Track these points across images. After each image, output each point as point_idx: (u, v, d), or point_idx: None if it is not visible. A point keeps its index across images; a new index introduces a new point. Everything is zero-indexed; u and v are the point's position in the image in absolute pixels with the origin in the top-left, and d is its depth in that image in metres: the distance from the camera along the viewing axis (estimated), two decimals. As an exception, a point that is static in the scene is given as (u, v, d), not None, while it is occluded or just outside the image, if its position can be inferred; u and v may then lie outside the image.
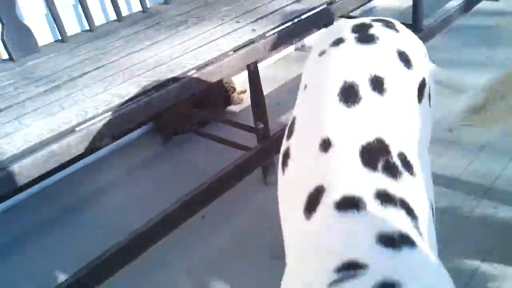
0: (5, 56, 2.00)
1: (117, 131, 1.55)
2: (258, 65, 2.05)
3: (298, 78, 1.24)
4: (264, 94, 2.12)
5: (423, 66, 1.20)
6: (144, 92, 1.60)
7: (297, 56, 3.27)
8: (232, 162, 2.02)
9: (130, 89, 1.61)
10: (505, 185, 1.97)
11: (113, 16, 2.29)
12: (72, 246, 1.99)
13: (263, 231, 1.89)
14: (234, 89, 2.73)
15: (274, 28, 1.98)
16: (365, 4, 2.82)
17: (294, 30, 2.07)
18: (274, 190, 1.86)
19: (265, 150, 2.12)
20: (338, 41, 1.13)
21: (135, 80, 1.66)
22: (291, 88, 2.90)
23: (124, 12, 2.32)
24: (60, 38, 2.11)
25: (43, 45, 2.07)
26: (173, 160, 2.43)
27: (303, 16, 2.10)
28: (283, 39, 2.03)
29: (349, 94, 1.00)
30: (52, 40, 2.17)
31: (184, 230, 1.85)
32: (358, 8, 2.69)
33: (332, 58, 1.11)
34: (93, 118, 1.48)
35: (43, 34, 2.16)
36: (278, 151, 2.08)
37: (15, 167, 1.33)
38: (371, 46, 1.10)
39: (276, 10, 2.11)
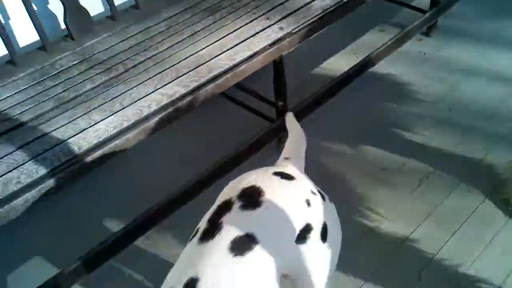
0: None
1: (165, 125, 1.91)
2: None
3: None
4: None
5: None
6: (188, 93, 1.94)
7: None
8: (258, 133, 2.38)
9: (176, 89, 1.94)
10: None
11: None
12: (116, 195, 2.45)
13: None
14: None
15: (300, 25, 2.26)
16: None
17: (319, 25, 2.33)
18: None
19: (283, 124, 2.46)
20: None
21: (180, 80, 1.99)
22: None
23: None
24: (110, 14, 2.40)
25: (97, 23, 2.36)
26: (205, 117, 2.79)
27: (328, 10, 2.36)
28: (307, 34, 2.31)
29: None
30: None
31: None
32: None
33: None
34: (147, 117, 1.84)
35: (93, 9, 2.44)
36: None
37: (88, 159, 1.72)
38: None
39: (302, 7, 2.36)
